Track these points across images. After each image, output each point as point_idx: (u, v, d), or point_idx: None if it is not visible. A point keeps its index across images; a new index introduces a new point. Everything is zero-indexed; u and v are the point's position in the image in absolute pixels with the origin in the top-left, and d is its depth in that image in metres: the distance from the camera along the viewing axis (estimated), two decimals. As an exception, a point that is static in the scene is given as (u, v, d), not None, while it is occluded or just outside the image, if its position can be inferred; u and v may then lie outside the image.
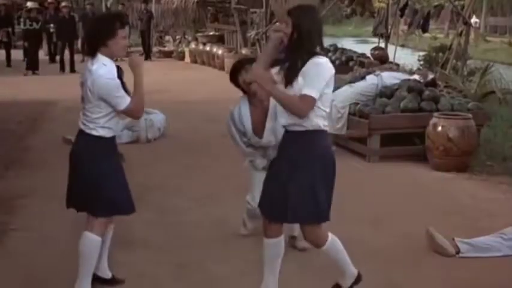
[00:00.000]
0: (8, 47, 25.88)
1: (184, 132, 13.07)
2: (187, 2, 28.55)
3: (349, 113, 11.13)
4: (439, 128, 10.12)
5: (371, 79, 11.70)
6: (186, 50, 28.88)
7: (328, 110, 5.36)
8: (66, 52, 24.35)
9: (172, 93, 18.77)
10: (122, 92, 5.61)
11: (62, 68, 24.21)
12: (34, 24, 24.47)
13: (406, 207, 8.41)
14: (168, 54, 31.05)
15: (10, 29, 24.82)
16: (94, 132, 5.69)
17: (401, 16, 21.88)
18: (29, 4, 26.02)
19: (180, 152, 11.47)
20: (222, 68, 23.95)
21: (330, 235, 5.44)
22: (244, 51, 23.48)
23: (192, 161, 10.72)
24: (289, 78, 5.26)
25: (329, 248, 5.45)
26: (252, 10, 25.33)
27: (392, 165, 10.33)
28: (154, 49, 29.33)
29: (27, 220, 7.83)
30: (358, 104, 11.13)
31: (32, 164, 10.40)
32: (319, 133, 5.29)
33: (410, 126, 10.76)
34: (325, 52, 6.36)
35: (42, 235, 7.38)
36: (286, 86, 5.27)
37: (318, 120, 5.25)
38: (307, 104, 5.14)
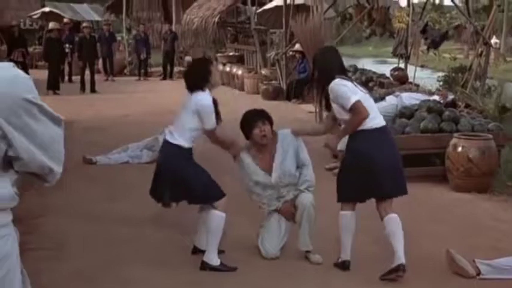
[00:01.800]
0: (24, 67, 25.98)
1: (204, 152, 13.07)
2: (208, 22, 28.63)
3: (369, 133, 11.09)
4: (459, 149, 10.08)
5: (391, 100, 11.69)
6: (206, 70, 28.96)
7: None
8: (87, 72, 24.46)
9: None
10: (214, 116, 6.96)
11: (83, 88, 24.30)
12: (55, 44, 24.63)
13: (425, 227, 8.37)
14: (188, 75, 30.96)
15: (24, 50, 24.92)
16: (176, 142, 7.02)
17: (422, 37, 21.87)
18: (51, 25, 26.21)
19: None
20: (241, 89, 23.95)
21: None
22: (264, 71, 23.50)
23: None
24: (326, 105, 6.94)
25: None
26: (271, 30, 25.42)
27: (412, 186, 10.18)
28: (175, 69, 29.42)
29: (45, 239, 7.86)
30: (377, 124, 11.09)
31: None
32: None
33: (430, 146, 10.73)
34: (347, 78, 6.90)
35: (59, 253, 7.41)
36: (328, 110, 7.00)
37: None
38: (358, 109, 6.48)
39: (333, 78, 6.66)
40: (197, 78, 7.11)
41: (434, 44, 22.16)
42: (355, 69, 19.56)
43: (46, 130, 2.76)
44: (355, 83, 6.85)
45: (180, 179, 6.94)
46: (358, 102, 6.48)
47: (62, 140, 2.89)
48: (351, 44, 55.87)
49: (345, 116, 6.64)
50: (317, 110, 16.11)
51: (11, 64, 2.70)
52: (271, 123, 7.31)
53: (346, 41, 42.44)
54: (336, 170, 10.17)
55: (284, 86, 21.40)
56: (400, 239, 6.60)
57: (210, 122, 6.95)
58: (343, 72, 6.88)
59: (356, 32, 39.40)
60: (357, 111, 6.50)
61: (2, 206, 2.73)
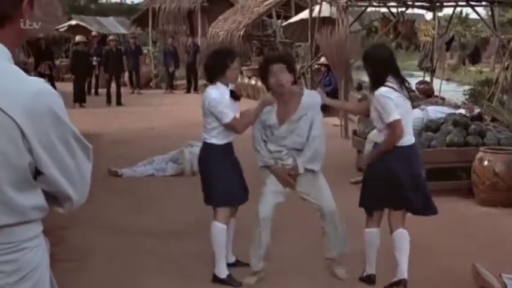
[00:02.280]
0: (51, 79, 26.08)
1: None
2: (233, 35, 28.75)
3: (394, 147, 11.07)
4: (485, 163, 10.02)
5: (416, 113, 11.63)
6: (232, 83, 29.05)
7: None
8: (113, 85, 24.58)
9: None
10: (226, 109, 6.78)
11: (109, 101, 24.43)
12: (82, 57, 24.82)
13: (451, 241, 8.33)
14: (213, 87, 31.07)
15: (51, 62, 25.12)
16: (207, 140, 7.00)
17: (447, 50, 21.80)
18: (77, 38, 26.40)
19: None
20: (266, 102, 23.96)
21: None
22: (289, 84, 23.48)
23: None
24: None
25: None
26: (297, 44, 25.47)
27: (438, 200, 10.09)
28: (200, 82, 29.53)
29: (71, 250, 7.90)
30: (403, 137, 11.07)
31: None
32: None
33: (456, 160, 10.68)
34: (399, 80, 6.64)
35: (84, 264, 7.46)
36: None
37: None
38: (395, 128, 6.45)
39: (385, 78, 6.55)
40: (210, 71, 7.07)
41: (474, 59, 22.10)
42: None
43: (73, 157, 2.77)
44: (403, 88, 6.68)
45: (203, 176, 7.12)
46: (397, 121, 6.45)
47: (88, 172, 2.88)
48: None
49: (379, 124, 6.64)
50: (342, 123, 16.10)
51: (42, 80, 2.73)
52: (291, 70, 6.83)
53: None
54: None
55: (309, 99, 21.34)
56: (406, 254, 6.69)
57: (221, 115, 6.80)
58: (397, 72, 6.69)
59: (381, 45, 39.35)
60: (394, 130, 6.48)
61: (33, 217, 2.75)
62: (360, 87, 18.25)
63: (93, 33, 30.30)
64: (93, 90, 27.61)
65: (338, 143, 13.64)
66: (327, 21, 19.35)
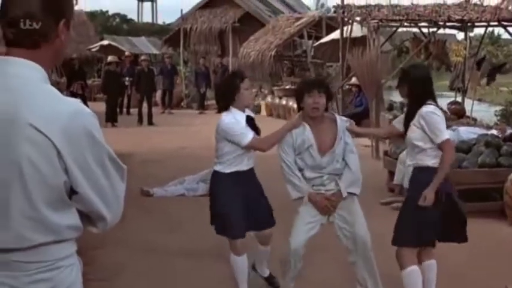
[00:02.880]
0: (83, 99, 26.24)
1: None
2: (264, 56, 28.80)
3: (426, 168, 11.02)
4: (518, 184, 9.96)
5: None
6: (263, 103, 29.07)
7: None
8: (144, 105, 24.69)
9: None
10: (243, 130, 6.66)
11: (140, 121, 24.55)
12: (114, 76, 25.01)
13: (484, 263, 8.27)
14: (244, 107, 31.15)
15: (83, 82, 25.35)
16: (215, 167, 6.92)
17: (478, 70, 21.69)
18: (110, 58, 26.61)
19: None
20: (297, 122, 23.93)
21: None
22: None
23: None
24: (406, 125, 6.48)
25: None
26: (328, 64, 25.46)
27: (470, 221, 10.07)
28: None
29: (102, 270, 7.93)
30: (434, 158, 11.03)
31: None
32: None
33: (488, 181, 10.61)
34: (435, 101, 6.43)
35: (114, 284, 7.52)
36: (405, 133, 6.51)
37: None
38: (450, 148, 6.32)
39: (427, 97, 6.36)
40: (221, 97, 7.01)
41: (491, 77, 21.98)
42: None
43: (108, 177, 2.80)
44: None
45: (210, 203, 7.00)
46: (450, 140, 6.35)
47: (122, 193, 2.90)
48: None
49: (422, 144, 6.31)
50: (373, 144, 16.07)
51: (78, 100, 2.76)
52: (328, 97, 6.68)
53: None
54: (394, 205, 10.18)
55: (340, 120, 21.32)
56: (434, 284, 6.63)
57: (239, 138, 6.65)
58: (433, 95, 6.50)
59: (412, 66, 39.26)
60: (450, 149, 6.32)
61: (68, 236, 2.79)
62: (391, 108, 18.22)
63: (126, 53, 30.49)
64: (125, 110, 27.77)
65: (369, 164, 13.58)
66: (358, 42, 19.34)
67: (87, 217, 2.86)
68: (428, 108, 6.26)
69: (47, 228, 2.70)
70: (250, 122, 6.84)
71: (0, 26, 2.76)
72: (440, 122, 6.26)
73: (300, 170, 6.66)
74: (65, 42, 2.84)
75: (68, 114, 2.64)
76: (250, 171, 6.93)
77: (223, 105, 6.90)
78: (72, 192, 2.72)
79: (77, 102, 2.73)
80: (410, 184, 6.55)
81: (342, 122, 6.72)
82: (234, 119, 6.72)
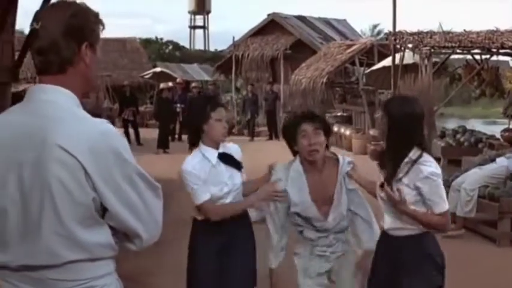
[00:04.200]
0: (134, 125, 26.41)
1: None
2: (316, 83, 28.81)
3: (479, 196, 10.92)
4: None
5: (501, 161, 11.49)
6: (314, 130, 29.09)
7: None
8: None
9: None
10: (200, 187, 5.46)
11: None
12: (166, 103, 25.23)
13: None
14: (295, 135, 31.20)
15: (135, 109, 25.63)
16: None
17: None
18: (162, 85, 26.86)
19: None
20: (349, 149, 23.82)
21: None
22: (372, 132, 23.40)
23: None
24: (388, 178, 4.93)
25: None
26: (380, 91, 25.37)
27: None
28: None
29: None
30: (487, 186, 10.94)
31: (161, 242, 10.54)
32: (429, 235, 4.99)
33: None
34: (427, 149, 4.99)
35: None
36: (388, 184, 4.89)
37: None
38: (446, 222, 4.93)
39: (414, 144, 4.91)
40: (188, 129, 5.89)
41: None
42: (464, 130, 19.32)
43: (140, 195, 2.87)
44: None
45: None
46: (448, 212, 4.93)
47: (157, 211, 2.96)
48: (459, 105, 55.27)
49: (413, 204, 4.88)
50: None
51: (105, 120, 2.85)
52: (326, 133, 5.43)
53: (454, 102, 41.92)
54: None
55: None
56: None
57: (192, 194, 5.51)
58: (423, 137, 5.10)
59: (464, 92, 39.03)
60: (444, 222, 4.92)
61: (100, 254, 2.84)
62: (443, 135, 18.08)
63: (178, 80, 30.75)
64: (176, 136, 27.96)
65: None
66: (409, 68, 19.31)
67: (125, 235, 2.92)
68: (432, 167, 4.88)
69: (76, 245, 2.76)
70: (226, 159, 5.66)
71: (31, 55, 2.90)
72: (442, 186, 4.96)
73: (299, 226, 5.64)
74: (91, 65, 2.93)
75: (94, 134, 2.75)
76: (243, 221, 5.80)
77: (190, 140, 5.75)
78: (104, 210, 2.79)
79: (103, 122, 2.83)
80: (404, 263, 4.99)
81: (344, 165, 5.51)
82: (200, 163, 5.53)
